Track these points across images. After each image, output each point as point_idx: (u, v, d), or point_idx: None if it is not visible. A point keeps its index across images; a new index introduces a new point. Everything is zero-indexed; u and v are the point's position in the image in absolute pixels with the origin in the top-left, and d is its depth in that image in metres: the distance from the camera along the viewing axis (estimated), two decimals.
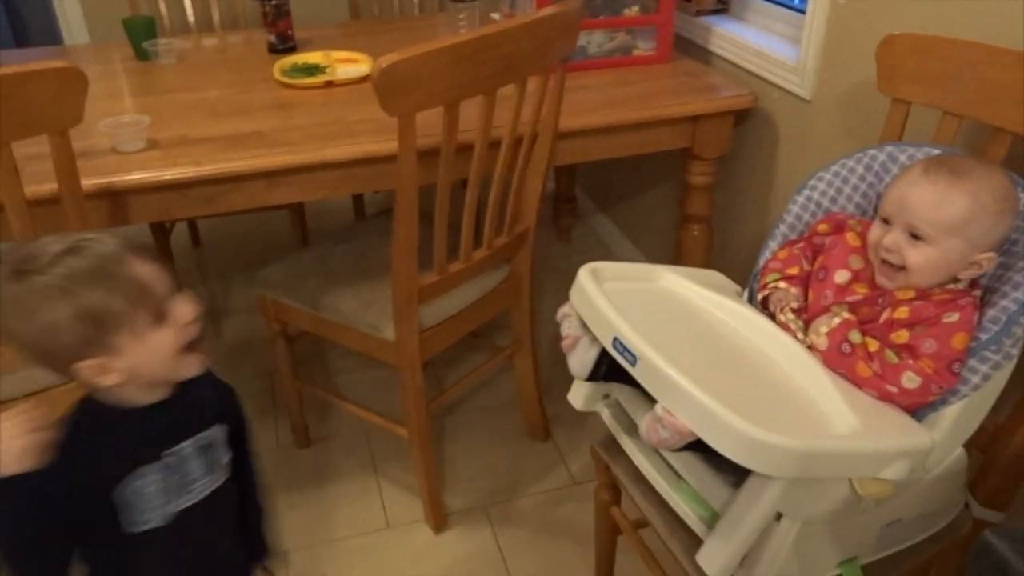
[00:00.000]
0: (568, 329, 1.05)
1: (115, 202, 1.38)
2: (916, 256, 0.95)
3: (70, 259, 0.81)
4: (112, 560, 0.94)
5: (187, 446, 0.93)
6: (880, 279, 1.00)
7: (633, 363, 0.92)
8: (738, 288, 1.18)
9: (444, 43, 1.16)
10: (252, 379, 2.11)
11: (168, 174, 1.36)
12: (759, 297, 1.11)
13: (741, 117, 1.78)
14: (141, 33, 1.94)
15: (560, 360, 1.10)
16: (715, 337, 1.03)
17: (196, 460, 0.94)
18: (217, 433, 0.97)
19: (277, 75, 1.77)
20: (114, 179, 1.34)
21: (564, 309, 1.06)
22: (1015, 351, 0.93)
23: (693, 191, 1.78)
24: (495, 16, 2.05)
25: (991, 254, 0.94)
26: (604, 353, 1.02)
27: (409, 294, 1.40)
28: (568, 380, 1.16)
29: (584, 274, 1.05)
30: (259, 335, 2.21)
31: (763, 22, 1.84)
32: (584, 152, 1.66)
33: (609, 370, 1.03)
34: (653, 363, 0.89)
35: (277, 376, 1.81)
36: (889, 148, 1.12)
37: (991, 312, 0.93)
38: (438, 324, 1.53)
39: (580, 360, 1.05)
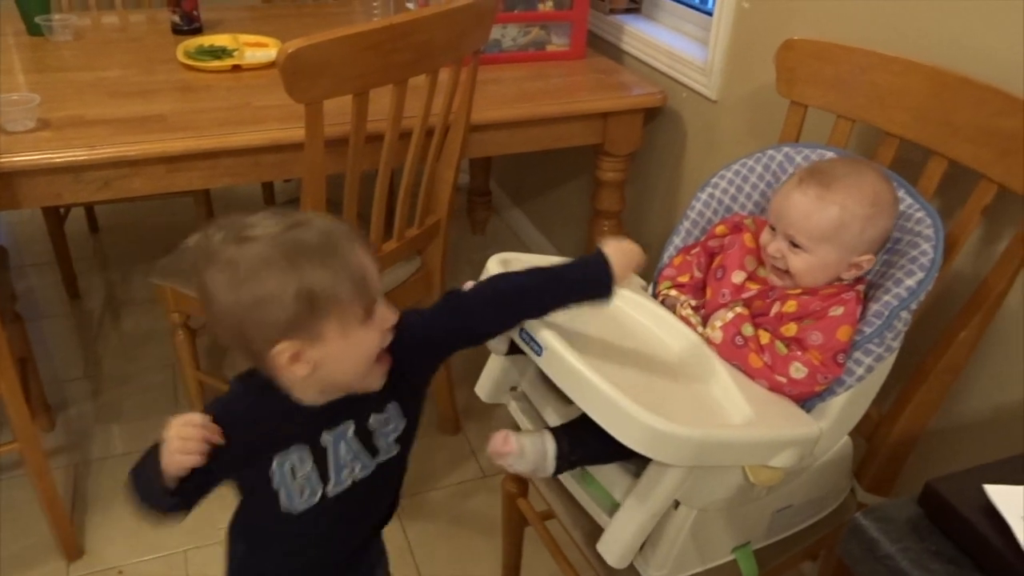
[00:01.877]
0: None
1: (1, 184, 1.30)
2: (796, 263, 1.00)
3: (298, 231, 0.75)
4: (261, 534, 0.93)
5: (349, 428, 0.87)
6: (772, 279, 1.04)
7: (539, 353, 0.93)
8: (643, 282, 1.20)
9: (353, 30, 1.14)
10: (152, 371, 2.03)
11: (59, 156, 1.29)
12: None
13: (651, 115, 1.82)
14: (34, 6, 1.84)
15: (471, 353, 1.10)
16: (618, 328, 1.05)
17: (354, 444, 0.87)
18: (391, 411, 0.90)
19: (181, 57, 1.71)
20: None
21: None
22: (896, 344, 0.98)
23: (604, 187, 1.81)
24: (410, 5, 2.03)
25: (869, 256, 0.99)
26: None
27: None
28: (479, 373, 1.16)
29: (493, 264, 1.06)
30: (160, 326, 2.14)
31: (673, 22, 1.88)
32: (496, 145, 1.66)
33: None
34: (557, 353, 0.90)
35: (178, 368, 1.75)
36: (786, 149, 1.16)
37: (874, 307, 0.98)
38: None
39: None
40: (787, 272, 1.01)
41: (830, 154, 1.12)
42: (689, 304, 1.08)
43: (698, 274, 1.12)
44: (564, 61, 1.86)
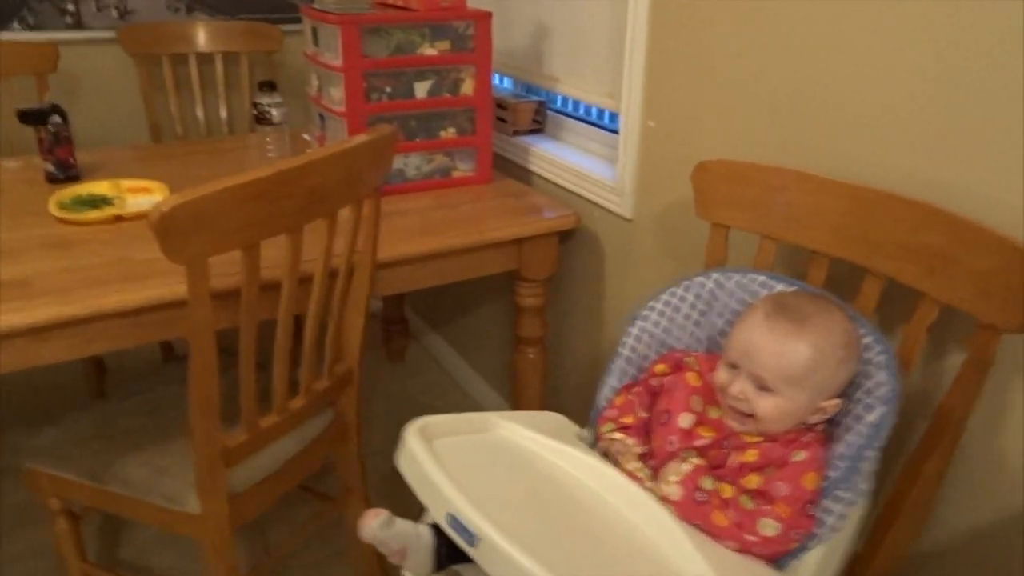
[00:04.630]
0: (393, 544, 0.92)
1: None
2: (764, 406, 0.91)
3: None
4: None
5: None
6: (731, 423, 0.95)
7: (472, 543, 0.80)
8: (577, 429, 1.09)
9: (235, 180, 1.03)
10: (32, 557, 1.77)
11: None
12: (598, 449, 1.03)
13: (566, 236, 1.76)
14: None
15: (394, 502, 0.97)
16: (560, 493, 0.93)
17: None
18: None
19: (53, 209, 1.56)
20: None
21: (374, 527, 0.92)
22: (867, 487, 0.89)
23: (524, 313, 1.72)
24: (306, 137, 1.95)
25: (836, 400, 0.92)
26: (441, 538, 0.90)
27: (212, 460, 1.20)
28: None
29: (412, 435, 0.93)
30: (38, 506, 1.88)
31: (579, 142, 1.85)
32: (407, 281, 1.56)
33: (451, 550, 0.91)
34: (494, 544, 0.77)
35: (60, 559, 1.52)
36: (715, 275, 1.09)
37: (838, 449, 0.89)
38: (252, 486, 1.34)
39: (417, 563, 0.93)
40: (750, 416, 0.92)
41: (761, 279, 1.06)
42: (635, 453, 0.98)
43: (643, 414, 1.03)
44: (471, 186, 1.80)
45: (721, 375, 0.95)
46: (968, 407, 0.91)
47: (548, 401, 1.83)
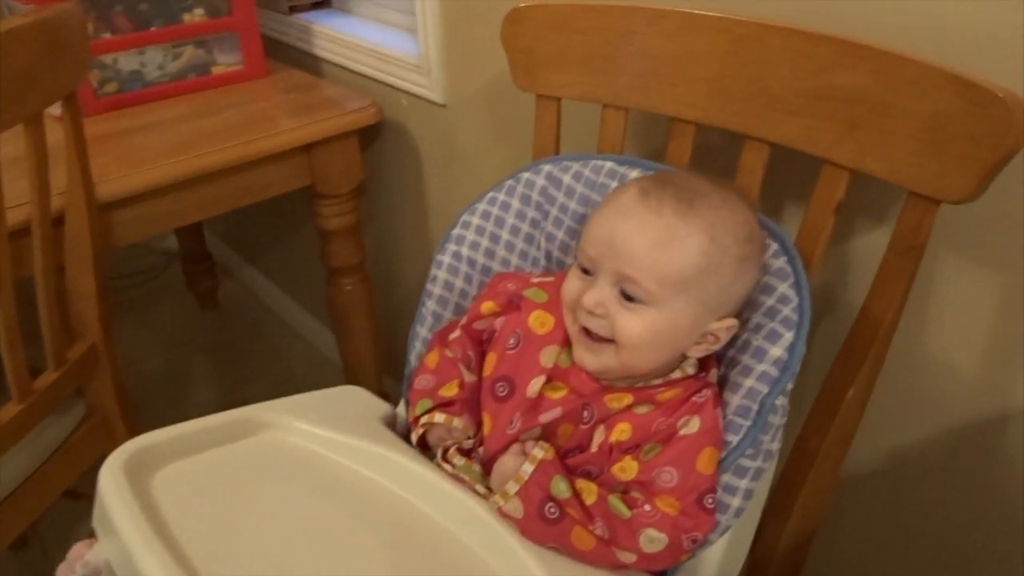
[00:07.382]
0: None
1: None
2: (631, 324, 0.61)
3: None
4: None
5: None
6: (579, 354, 0.65)
7: None
8: (386, 408, 0.78)
9: None
10: None
11: None
12: (414, 437, 0.72)
13: (370, 136, 1.40)
14: None
15: None
16: (360, 520, 0.63)
17: None
18: None
19: None
20: None
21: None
22: (776, 445, 0.64)
23: (332, 238, 1.38)
24: None
25: (731, 321, 0.64)
26: None
27: None
28: None
29: (109, 474, 0.60)
30: None
31: (376, 12, 1.47)
32: (157, 220, 1.17)
33: None
34: None
35: None
36: (547, 168, 0.79)
37: (735, 400, 0.63)
38: None
39: None
40: (609, 342, 0.63)
41: (609, 165, 0.77)
42: (459, 449, 0.68)
43: (470, 377, 0.72)
44: (241, 84, 1.39)
45: (570, 285, 0.65)
46: (898, 311, 0.67)
47: (384, 343, 1.53)
